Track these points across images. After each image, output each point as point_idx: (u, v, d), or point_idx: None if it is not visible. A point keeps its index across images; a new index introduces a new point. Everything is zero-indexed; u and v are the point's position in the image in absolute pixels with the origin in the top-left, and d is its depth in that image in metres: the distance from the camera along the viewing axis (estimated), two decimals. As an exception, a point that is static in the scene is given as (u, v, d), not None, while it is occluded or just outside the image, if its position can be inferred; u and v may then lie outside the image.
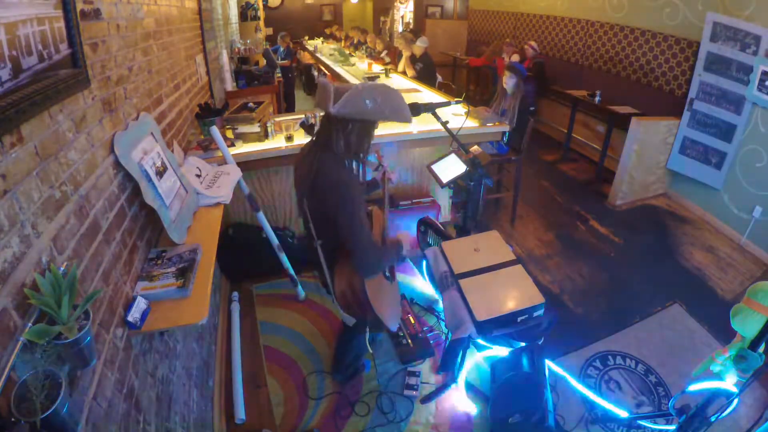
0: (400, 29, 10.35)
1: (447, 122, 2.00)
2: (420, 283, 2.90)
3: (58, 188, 0.95)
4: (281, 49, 6.56)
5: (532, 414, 1.76)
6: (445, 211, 3.52)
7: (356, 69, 6.03)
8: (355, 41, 7.97)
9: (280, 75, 5.66)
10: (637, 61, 4.43)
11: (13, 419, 0.67)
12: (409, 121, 1.52)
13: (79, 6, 1.16)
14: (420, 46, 5.09)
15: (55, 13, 1.02)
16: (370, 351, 1.93)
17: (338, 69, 6.05)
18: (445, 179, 2.08)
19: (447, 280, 1.90)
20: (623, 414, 2.00)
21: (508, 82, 3.42)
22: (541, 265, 3.15)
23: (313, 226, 1.54)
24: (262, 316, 2.64)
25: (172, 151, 1.92)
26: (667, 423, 1.91)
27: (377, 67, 5.84)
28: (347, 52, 7.45)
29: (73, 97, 1.08)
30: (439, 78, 5.27)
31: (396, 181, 1.91)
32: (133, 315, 1.16)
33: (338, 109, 1.39)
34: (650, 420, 1.98)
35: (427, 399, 2.11)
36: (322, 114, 2.94)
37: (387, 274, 1.77)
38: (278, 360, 2.33)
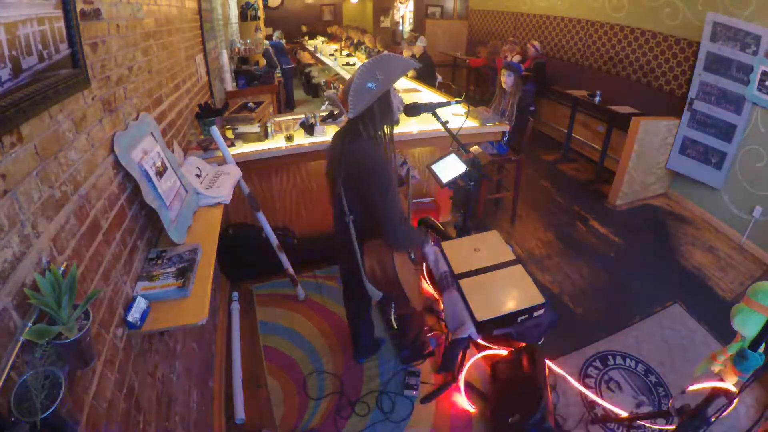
0: (401, 29, 10.35)
1: (447, 122, 2.00)
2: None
3: (58, 188, 0.95)
4: (282, 42, 6.61)
5: (532, 414, 1.76)
6: (445, 211, 3.52)
7: (355, 69, 6.02)
8: (355, 41, 7.98)
9: (279, 75, 5.67)
10: (637, 61, 4.43)
11: (13, 419, 0.67)
12: (415, 67, 1.63)
13: (79, 6, 1.15)
14: (420, 46, 5.10)
15: (55, 13, 1.02)
16: (395, 327, 1.95)
17: (338, 69, 6.06)
18: (445, 179, 2.08)
19: (447, 280, 1.90)
20: (623, 414, 2.00)
21: (507, 80, 3.43)
22: (541, 265, 3.15)
23: (347, 204, 1.59)
24: (262, 316, 2.64)
25: (172, 151, 1.92)
26: (667, 423, 1.91)
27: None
28: (347, 52, 7.46)
29: (73, 97, 1.08)
30: (439, 78, 5.27)
31: (419, 178, 1.98)
32: (133, 315, 1.16)
33: (355, 112, 1.45)
34: (650, 420, 1.98)
35: (427, 399, 2.11)
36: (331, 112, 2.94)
37: (412, 256, 1.83)
38: (278, 360, 2.33)
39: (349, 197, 1.59)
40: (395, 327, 1.92)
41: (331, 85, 5.26)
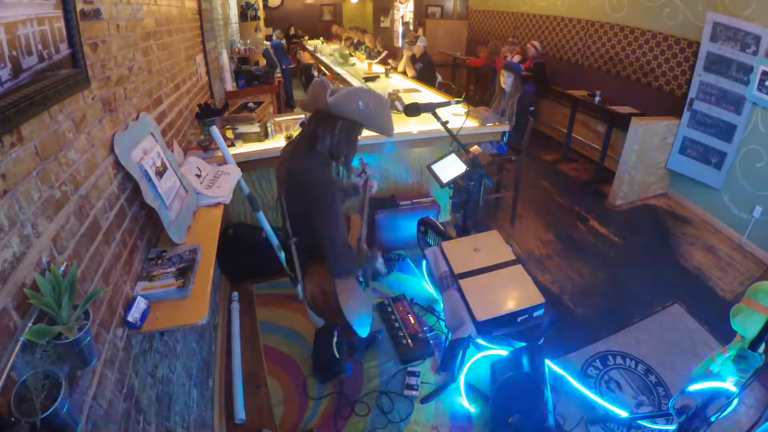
0: (401, 29, 10.32)
1: (447, 122, 2.00)
2: (420, 283, 2.90)
3: (58, 188, 0.95)
4: (282, 43, 6.63)
5: (532, 414, 1.76)
6: (445, 211, 3.52)
7: (356, 69, 6.04)
8: (355, 41, 7.98)
9: (279, 75, 5.68)
10: (637, 61, 4.43)
11: (13, 419, 0.67)
12: (389, 135, 1.54)
13: (79, 6, 1.16)
14: (420, 46, 5.10)
15: (55, 13, 1.02)
16: (337, 356, 1.89)
17: (338, 69, 6.06)
18: (445, 179, 2.08)
19: (447, 280, 1.90)
20: (623, 414, 2.00)
21: (506, 80, 3.43)
22: (541, 265, 3.15)
23: (289, 223, 1.54)
24: (262, 316, 2.64)
25: (172, 151, 1.92)
26: (667, 423, 1.91)
27: (377, 68, 5.86)
28: (347, 52, 7.45)
29: (73, 97, 1.08)
30: (439, 78, 5.27)
31: (375, 191, 1.93)
32: (133, 315, 1.16)
33: (334, 100, 1.39)
34: (650, 420, 1.98)
35: (427, 399, 2.11)
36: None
37: (361, 279, 1.75)
38: (278, 360, 2.33)
39: (292, 218, 1.53)
40: (337, 356, 1.86)
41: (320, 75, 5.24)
